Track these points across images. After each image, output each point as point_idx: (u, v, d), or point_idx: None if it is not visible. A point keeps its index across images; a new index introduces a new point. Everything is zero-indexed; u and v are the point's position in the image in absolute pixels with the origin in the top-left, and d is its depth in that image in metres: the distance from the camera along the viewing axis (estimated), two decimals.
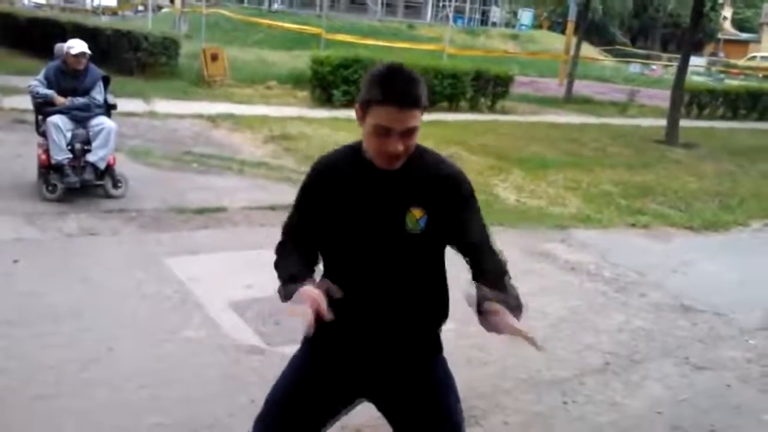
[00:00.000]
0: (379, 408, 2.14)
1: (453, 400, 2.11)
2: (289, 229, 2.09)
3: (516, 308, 1.88)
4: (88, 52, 6.18)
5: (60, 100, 6.10)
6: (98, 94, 6.27)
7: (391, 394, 2.08)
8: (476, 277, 1.96)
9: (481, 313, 1.87)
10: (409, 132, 1.85)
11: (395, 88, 1.82)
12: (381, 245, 1.94)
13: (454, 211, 1.96)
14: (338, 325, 1.85)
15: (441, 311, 2.07)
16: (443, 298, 2.07)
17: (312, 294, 1.76)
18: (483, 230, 2.03)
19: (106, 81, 6.41)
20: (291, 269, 1.94)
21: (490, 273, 1.96)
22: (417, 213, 1.92)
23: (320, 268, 2.07)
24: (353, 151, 1.99)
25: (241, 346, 3.91)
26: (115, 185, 6.35)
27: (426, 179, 1.94)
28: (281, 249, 2.07)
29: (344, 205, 1.95)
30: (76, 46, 6.15)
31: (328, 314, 1.75)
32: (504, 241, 6.50)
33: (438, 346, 2.12)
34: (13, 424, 3.03)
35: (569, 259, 6.07)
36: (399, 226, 1.92)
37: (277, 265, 2.02)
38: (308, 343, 2.09)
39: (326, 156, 2.05)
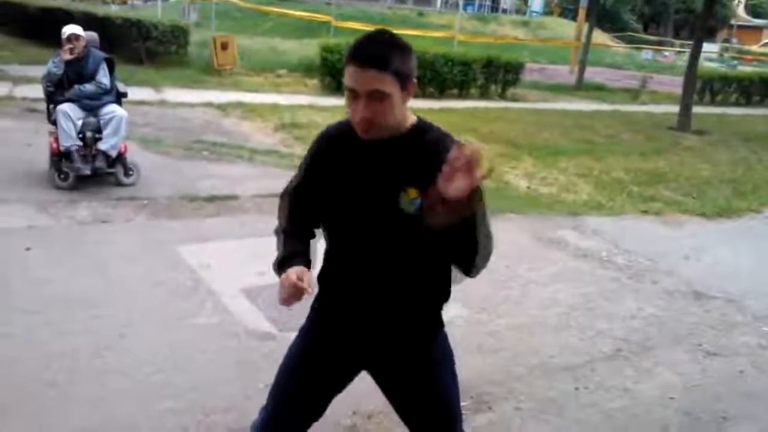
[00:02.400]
0: (377, 381, 2.15)
1: (449, 378, 2.11)
2: (289, 191, 2.12)
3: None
4: (82, 33, 6.17)
5: (66, 55, 6.06)
6: (104, 78, 6.24)
7: (389, 369, 2.09)
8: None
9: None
10: (376, 96, 1.78)
11: (360, 48, 1.80)
12: (374, 223, 1.91)
13: None
14: (342, 297, 1.94)
15: (442, 291, 2.04)
16: (444, 278, 2.02)
17: (291, 283, 1.86)
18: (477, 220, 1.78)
19: (110, 64, 6.36)
20: (284, 248, 2.03)
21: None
22: (412, 193, 1.84)
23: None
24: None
25: (253, 332, 3.93)
26: (127, 173, 6.37)
27: (424, 158, 1.82)
28: (277, 225, 2.12)
29: (341, 178, 1.95)
30: (67, 29, 6.17)
31: (309, 288, 1.85)
32: (515, 228, 6.54)
33: (438, 324, 2.09)
34: (27, 410, 3.05)
35: (581, 246, 6.05)
36: (393, 205, 1.86)
37: (276, 239, 2.09)
38: (314, 312, 2.14)
39: (334, 125, 2.05)
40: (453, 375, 2.12)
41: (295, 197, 2.10)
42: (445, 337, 2.12)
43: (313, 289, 1.89)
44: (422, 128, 1.92)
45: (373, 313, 2.00)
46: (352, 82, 1.79)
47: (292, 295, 1.86)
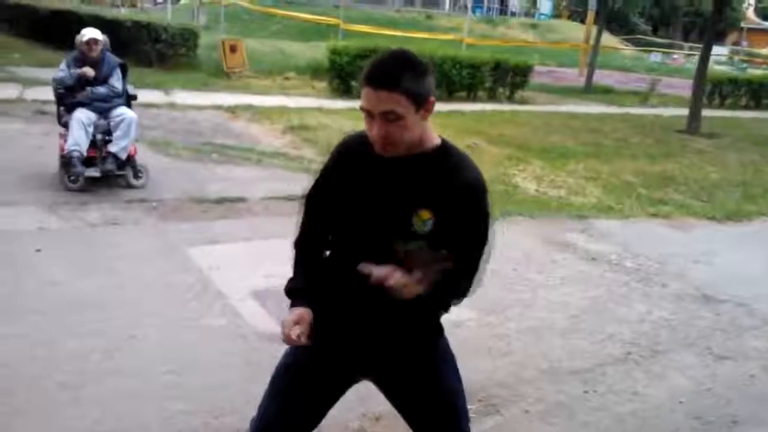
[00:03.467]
0: (381, 389, 2.15)
1: (453, 379, 2.12)
2: (301, 220, 2.12)
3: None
4: (101, 38, 6.21)
5: (91, 72, 6.11)
6: (117, 82, 6.30)
7: (391, 376, 2.09)
8: None
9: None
10: (390, 116, 1.78)
11: (374, 69, 1.80)
12: (385, 239, 1.90)
13: (462, 222, 1.88)
14: (343, 306, 1.95)
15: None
16: None
17: (285, 334, 1.93)
18: (475, 248, 1.92)
19: (123, 69, 6.43)
20: (294, 276, 2.07)
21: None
22: (424, 215, 1.87)
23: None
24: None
25: (261, 334, 3.93)
26: (136, 175, 6.40)
27: (442, 183, 1.87)
28: (294, 246, 2.12)
29: (357, 190, 1.95)
30: (87, 33, 6.20)
31: (301, 340, 1.91)
32: (524, 231, 6.53)
33: (438, 330, 2.10)
34: (38, 411, 3.06)
35: (590, 249, 6.03)
36: (406, 225, 1.88)
37: (293, 262, 2.11)
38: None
39: (352, 136, 2.03)
40: (457, 376, 2.12)
41: (310, 205, 2.10)
42: (446, 342, 2.13)
43: (305, 338, 1.93)
44: (445, 152, 1.92)
45: (374, 323, 2.00)
46: (366, 103, 1.80)
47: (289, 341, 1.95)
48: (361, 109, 1.82)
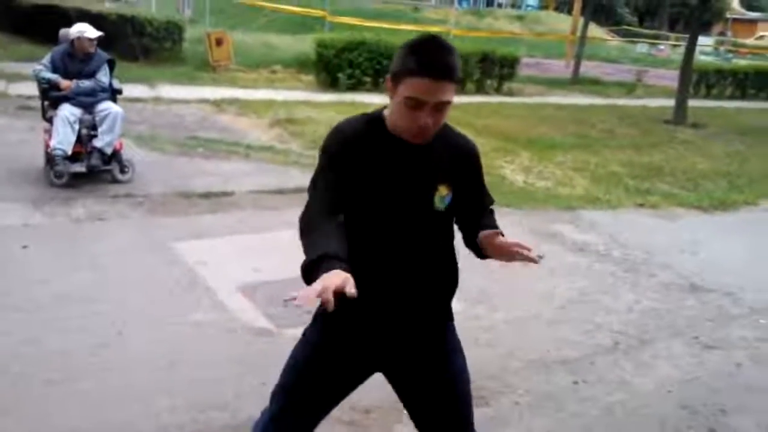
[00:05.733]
0: (390, 379, 2.14)
1: (461, 365, 2.12)
2: (317, 197, 1.90)
3: None
4: (94, 36, 6.16)
5: (65, 83, 6.09)
6: (104, 77, 6.27)
7: (404, 364, 2.08)
8: (473, 232, 2.01)
9: (482, 245, 1.95)
10: (442, 106, 1.81)
11: (431, 59, 1.76)
12: (408, 223, 1.92)
13: (473, 186, 2.03)
14: (354, 300, 1.71)
15: (453, 280, 2.08)
16: (454, 267, 2.07)
17: (336, 280, 1.56)
18: (489, 197, 2.12)
19: (111, 64, 6.40)
20: (324, 247, 1.70)
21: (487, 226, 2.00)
22: (443, 190, 1.93)
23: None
24: (375, 122, 1.93)
25: (250, 328, 3.92)
26: (122, 170, 6.35)
27: (452, 156, 1.97)
28: (309, 221, 1.84)
29: (372, 179, 1.90)
30: (89, 30, 6.15)
31: (351, 290, 1.55)
32: (511, 222, 6.54)
33: (449, 315, 2.12)
34: (24, 408, 3.04)
35: (578, 240, 6.05)
36: (428, 203, 1.92)
37: (306, 239, 1.79)
38: (320, 318, 2.07)
39: (348, 124, 1.95)
40: (464, 363, 2.13)
41: (321, 209, 1.86)
42: (454, 328, 2.14)
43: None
44: (446, 127, 1.96)
45: (391, 309, 1.98)
46: (421, 94, 1.77)
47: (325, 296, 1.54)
48: (409, 98, 1.78)
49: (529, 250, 1.85)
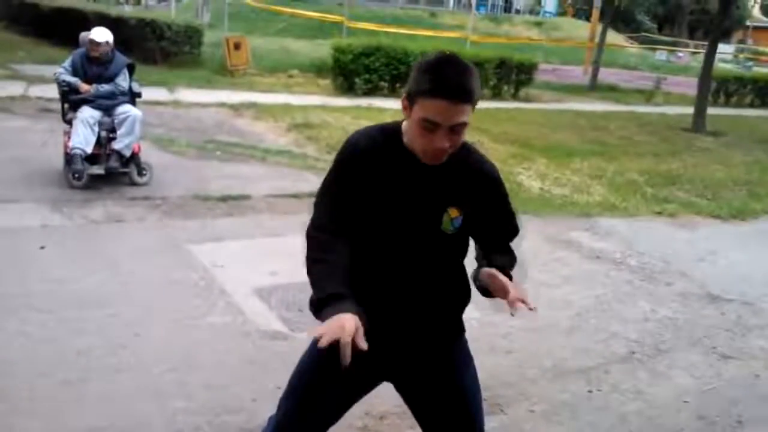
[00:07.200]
0: (398, 389, 2.13)
1: (471, 380, 2.11)
2: (324, 212, 1.91)
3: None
4: (102, 40, 6.21)
5: (85, 87, 6.15)
6: (123, 81, 6.33)
7: (413, 375, 2.07)
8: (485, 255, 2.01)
9: (480, 280, 1.94)
10: (458, 127, 1.75)
11: (446, 80, 1.70)
12: (414, 242, 1.90)
13: (489, 212, 1.96)
14: (368, 308, 1.76)
15: (465, 295, 2.06)
16: (466, 282, 2.05)
17: (345, 326, 1.63)
18: (512, 227, 2.06)
19: (131, 68, 6.47)
20: (330, 284, 1.76)
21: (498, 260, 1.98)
22: (453, 213, 1.89)
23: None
24: (392, 135, 1.90)
25: (265, 332, 3.93)
26: (140, 173, 6.40)
27: (468, 180, 1.90)
28: (316, 246, 1.86)
29: (382, 194, 1.88)
30: (100, 34, 6.20)
31: (362, 344, 1.62)
32: (528, 229, 6.49)
33: (461, 328, 2.11)
34: (42, 408, 3.06)
35: (594, 248, 6.01)
36: (435, 225, 1.89)
37: (313, 268, 1.83)
38: None
39: (364, 135, 1.93)
40: (475, 377, 2.12)
41: (329, 201, 1.93)
42: (465, 340, 2.13)
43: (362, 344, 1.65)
44: (467, 150, 1.91)
45: (400, 324, 1.98)
46: (436, 116, 1.72)
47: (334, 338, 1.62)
48: (424, 120, 1.73)
49: (525, 303, 1.83)
